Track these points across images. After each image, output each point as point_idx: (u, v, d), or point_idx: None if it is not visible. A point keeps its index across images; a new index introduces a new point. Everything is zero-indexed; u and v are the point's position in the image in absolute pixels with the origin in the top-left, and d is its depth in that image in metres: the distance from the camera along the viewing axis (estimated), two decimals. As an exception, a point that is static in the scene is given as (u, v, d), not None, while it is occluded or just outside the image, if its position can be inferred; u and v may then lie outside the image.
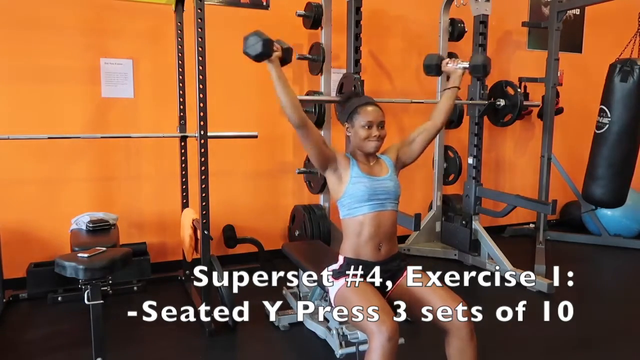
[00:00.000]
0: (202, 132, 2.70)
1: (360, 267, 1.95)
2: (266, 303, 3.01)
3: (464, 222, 4.07)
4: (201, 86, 2.67)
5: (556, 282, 3.42)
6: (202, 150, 2.73)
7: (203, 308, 2.79)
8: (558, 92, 4.64)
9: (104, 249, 2.30)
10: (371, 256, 1.96)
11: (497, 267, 3.80)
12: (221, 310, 2.86)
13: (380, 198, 1.96)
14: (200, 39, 2.65)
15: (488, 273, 3.85)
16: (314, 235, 3.80)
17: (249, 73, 3.93)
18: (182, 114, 3.37)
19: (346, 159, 1.99)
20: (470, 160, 4.11)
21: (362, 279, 1.91)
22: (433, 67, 2.27)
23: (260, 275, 3.70)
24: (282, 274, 3.63)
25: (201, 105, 2.69)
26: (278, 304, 2.97)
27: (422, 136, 2.13)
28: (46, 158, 3.42)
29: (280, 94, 1.82)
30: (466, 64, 2.21)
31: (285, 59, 1.87)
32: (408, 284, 1.95)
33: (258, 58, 1.81)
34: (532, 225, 5.05)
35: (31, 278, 3.24)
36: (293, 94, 1.85)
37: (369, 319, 1.70)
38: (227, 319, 2.82)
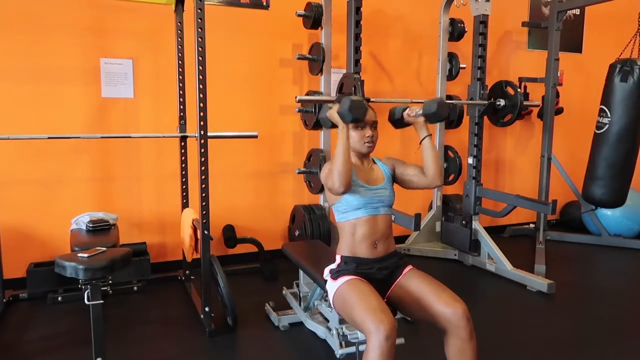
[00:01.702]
0: (202, 132, 2.70)
1: (357, 264, 1.95)
2: (266, 303, 3.02)
3: (464, 222, 4.07)
4: (201, 86, 2.67)
5: (556, 282, 3.43)
6: (202, 150, 2.73)
7: (203, 308, 2.79)
8: (558, 92, 4.64)
9: (104, 249, 2.30)
10: (367, 253, 1.97)
11: (497, 267, 3.81)
12: (221, 310, 2.87)
13: (374, 205, 1.99)
14: (200, 39, 2.65)
15: (488, 273, 3.85)
16: (314, 235, 3.80)
17: (248, 73, 3.94)
18: (182, 114, 3.37)
19: None
20: (470, 160, 4.11)
21: (360, 278, 1.91)
22: (397, 122, 2.15)
23: (261, 275, 3.74)
24: (282, 274, 3.66)
25: (201, 105, 2.69)
26: (278, 304, 2.98)
27: (416, 179, 2.07)
28: (46, 158, 3.42)
29: (343, 157, 1.84)
30: (420, 111, 2.07)
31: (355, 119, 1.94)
32: (407, 284, 1.95)
33: (353, 121, 1.89)
34: (532, 225, 5.05)
35: (31, 278, 3.24)
36: (351, 163, 1.88)
37: (366, 318, 1.70)
38: (227, 319, 2.82)
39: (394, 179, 2.12)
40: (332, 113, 1.95)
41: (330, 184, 1.88)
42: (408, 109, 2.11)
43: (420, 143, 2.06)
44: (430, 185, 2.06)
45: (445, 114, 2.04)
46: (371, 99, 3.54)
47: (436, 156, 2.05)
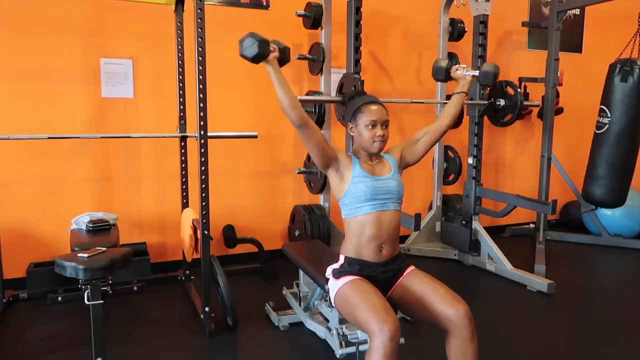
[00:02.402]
0: (202, 132, 2.70)
1: (361, 267, 1.94)
2: (266, 303, 3.02)
3: (464, 222, 4.07)
4: (201, 86, 2.67)
5: (556, 282, 3.43)
6: (202, 150, 2.72)
7: (203, 308, 2.79)
8: (558, 92, 4.64)
9: (104, 249, 2.30)
10: (372, 257, 1.95)
11: (497, 267, 3.81)
12: (221, 310, 2.87)
13: (382, 198, 1.95)
14: (200, 39, 2.65)
15: (488, 273, 3.85)
16: (314, 235, 3.79)
17: (249, 73, 3.93)
18: (182, 114, 3.37)
19: (348, 158, 1.99)
20: (470, 160, 4.10)
21: (362, 278, 1.91)
22: (442, 71, 2.30)
23: (261, 275, 3.73)
24: (282, 274, 3.66)
25: (201, 105, 2.68)
26: (278, 304, 2.98)
27: (426, 137, 2.14)
28: (46, 158, 3.42)
29: (280, 94, 1.82)
30: (476, 72, 2.25)
31: (283, 59, 1.87)
32: (409, 284, 1.94)
33: (255, 59, 1.81)
34: (532, 225, 5.05)
35: (31, 278, 3.24)
36: (292, 94, 1.85)
37: (370, 318, 1.69)
38: (227, 319, 2.82)
39: (405, 163, 2.12)
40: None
41: (292, 122, 1.85)
42: (458, 65, 2.28)
43: (454, 94, 2.24)
44: (444, 129, 2.18)
45: (496, 79, 2.35)
46: (378, 98, 3.54)
47: (458, 112, 2.23)
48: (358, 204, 1.94)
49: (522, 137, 5.21)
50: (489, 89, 4.07)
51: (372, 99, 2.02)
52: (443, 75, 2.30)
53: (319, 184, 3.89)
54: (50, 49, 3.37)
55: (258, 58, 1.80)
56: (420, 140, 2.14)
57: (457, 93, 2.23)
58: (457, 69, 2.27)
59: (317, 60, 3.86)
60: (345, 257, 1.98)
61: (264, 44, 1.79)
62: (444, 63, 2.30)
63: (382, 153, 2.09)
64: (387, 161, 2.07)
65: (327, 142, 1.94)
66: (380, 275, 1.95)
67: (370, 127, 1.95)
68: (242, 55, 1.82)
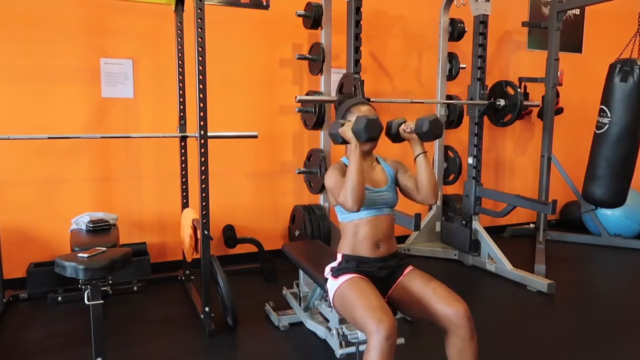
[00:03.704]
0: (202, 132, 2.70)
1: (359, 263, 1.95)
2: (266, 303, 3.02)
3: (464, 222, 4.07)
4: (201, 86, 2.67)
5: (556, 282, 3.43)
6: (202, 150, 2.72)
7: (203, 308, 2.79)
8: (558, 92, 4.65)
9: (104, 249, 2.30)
10: (369, 253, 1.96)
11: (497, 267, 3.81)
12: (221, 310, 2.87)
13: (377, 206, 1.98)
14: (200, 39, 2.65)
15: (488, 273, 3.85)
16: (314, 235, 3.80)
17: (249, 73, 3.94)
18: (182, 114, 3.37)
19: (346, 168, 1.96)
20: (470, 160, 4.10)
21: (361, 276, 1.91)
22: (394, 136, 2.07)
23: (261, 275, 3.73)
24: (282, 274, 3.66)
25: (201, 105, 2.69)
26: (278, 304, 2.98)
27: (413, 194, 2.04)
28: (46, 158, 3.42)
29: (357, 177, 1.83)
30: (412, 125, 1.98)
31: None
32: (408, 284, 1.95)
33: (370, 140, 1.88)
34: (532, 225, 5.05)
35: (31, 278, 3.24)
36: (364, 182, 1.87)
37: (367, 317, 1.70)
38: (227, 319, 2.82)
39: (396, 182, 2.10)
40: (346, 130, 1.91)
41: (342, 200, 1.85)
42: (404, 123, 2.02)
43: (415, 159, 1.99)
44: (423, 202, 2.01)
45: (439, 133, 1.94)
46: (371, 99, 3.54)
47: (430, 174, 1.97)
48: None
49: (522, 137, 5.21)
50: (489, 88, 4.07)
51: (361, 100, 2.04)
52: (395, 139, 2.08)
53: (319, 184, 3.89)
54: (50, 49, 3.37)
55: (369, 141, 1.88)
56: (406, 187, 2.05)
57: (416, 158, 1.98)
58: (403, 130, 2.01)
59: (317, 60, 3.86)
60: (343, 255, 2.00)
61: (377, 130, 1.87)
62: (391, 127, 2.05)
63: (380, 159, 2.10)
64: (384, 170, 2.07)
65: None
66: (378, 271, 1.96)
67: None
68: (359, 130, 1.85)
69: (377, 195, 1.98)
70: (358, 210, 1.87)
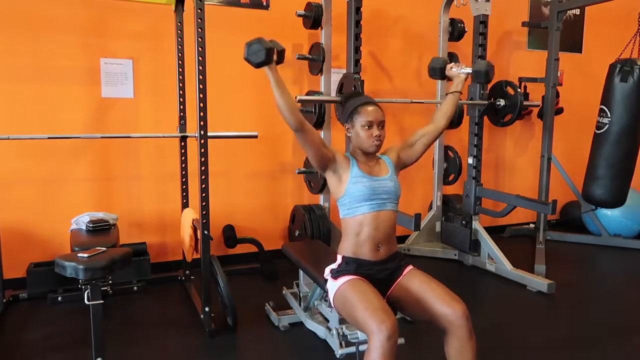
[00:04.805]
0: (202, 132, 2.70)
1: (358, 265, 1.95)
2: (266, 303, 3.02)
3: (464, 222, 4.07)
4: (201, 86, 2.67)
5: (556, 282, 3.43)
6: (202, 150, 2.72)
7: (203, 308, 2.79)
8: (558, 92, 4.65)
9: (104, 249, 2.30)
10: (370, 255, 1.96)
11: (497, 267, 3.81)
12: (221, 310, 2.87)
13: (380, 198, 1.96)
14: (200, 39, 2.65)
15: (488, 273, 3.85)
16: (314, 235, 3.80)
17: (249, 73, 3.92)
18: (182, 114, 3.37)
19: (346, 159, 2.00)
20: (470, 160, 4.10)
21: (360, 278, 1.91)
22: (437, 70, 2.31)
23: (261, 275, 3.73)
24: (282, 274, 3.66)
25: (201, 105, 2.69)
26: (278, 304, 2.98)
27: (423, 139, 2.15)
28: (46, 158, 3.42)
29: (278, 97, 1.83)
30: (469, 70, 2.25)
31: (279, 61, 1.89)
32: (407, 284, 1.95)
33: (259, 66, 1.83)
34: (532, 225, 5.05)
35: (31, 278, 3.24)
36: (290, 97, 1.85)
37: (368, 318, 1.70)
38: (227, 319, 2.82)
39: (401, 164, 2.13)
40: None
41: (290, 125, 1.85)
42: (453, 63, 2.26)
43: (448, 94, 2.22)
44: (440, 130, 2.17)
45: (492, 77, 2.28)
46: (374, 99, 3.54)
47: (453, 111, 2.21)
48: (357, 204, 1.95)
49: (522, 137, 5.21)
50: (489, 88, 4.07)
51: (368, 100, 2.03)
52: (439, 73, 2.32)
53: (319, 184, 3.90)
54: (50, 49, 3.37)
55: (262, 64, 1.83)
56: (417, 142, 2.15)
57: (452, 93, 2.23)
58: (451, 67, 2.28)
59: (317, 60, 3.86)
60: (343, 257, 1.99)
61: (270, 52, 1.81)
62: (439, 62, 2.31)
63: (379, 154, 2.11)
64: (384, 162, 2.08)
65: (324, 144, 1.95)
66: (377, 273, 1.96)
67: (367, 127, 1.96)
68: (247, 59, 1.84)
69: (378, 183, 1.97)
70: (298, 123, 1.83)
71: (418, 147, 2.15)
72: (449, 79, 2.32)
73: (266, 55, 1.80)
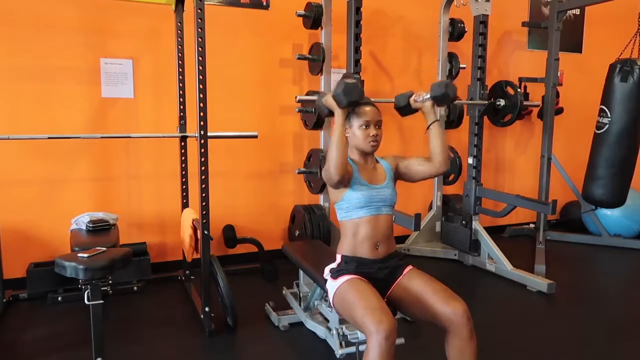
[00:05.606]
0: (202, 132, 2.70)
1: (358, 264, 1.95)
2: (266, 303, 3.02)
3: (464, 222, 4.07)
4: (201, 86, 2.67)
5: (556, 282, 3.43)
6: (202, 150, 2.72)
7: (203, 308, 2.79)
8: (558, 92, 4.65)
9: (104, 249, 2.30)
10: (369, 254, 1.97)
11: (497, 267, 3.81)
12: (221, 310, 2.87)
13: (376, 205, 1.98)
14: (200, 39, 2.65)
15: (488, 273, 3.85)
16: (314, 235, 3.80)
17: (249, 73, 3.94)
18: (182, 114, 3.37)
19: (349, 166, 1.99)
20: (470, 160, 4.11)
21: (360, 277, 1.91)
22: (404, 108, 2.12)
23: (261, 275, 3.74)
24: (282, 274, 3.66)
25: (201, 105, 2.69)
26: (278, 304, 2.98)
27: (422, 168, 2.08)
28: (46, 158, 3.42)
29: (337, 147, 1.83)
30: (428, 95, 2.04)
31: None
32: (407, 284, 1.95)
33: (349, 105, 1.86)
34: (532, 225, 5.05)
35: (31, 278, 3.24)
36: (347, 150, 1.86)
37: (366, 317, 1.70)
38: (227, 319, 2.82)
39: (398, 175, 2.11)
40: (328, 98, 1.93)
41: (325, 174, 1.88)
42: (414, 94, 2.09)
43: (428, 128, 2.06)
44: (437, 171, 2.06)
45: (453, 96, 2.01)
46: (371, 99, 3.54)
47: (444, 142, 2.04)
48: (353, 209, 1.97)
49: (522, 137, 5.21)
50: (489, 88, 4.07)
51: (365, 100, 2.03)
52: (407, 110, 2.13)
53: (319, 184, 3.89)
54: (50, 49, 3.37)
55: (351, 105, 1.86)
56: (416, 168, 2.08)
57: (430, 126, 2.05)
58: (414, 100, 2.09)
59: (317, 60, 3.85)
60: (342, 256, 2.00)
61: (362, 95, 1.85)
62: (403, 98, 2.11)
63: (378, 158, 2.11)
64: (382, 168, 2.08)
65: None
66: (377, 272, 1.96)
67: (364, 127, 1.97)
68: (337, 95, 1.84)
69: (376, 191, 1.99)
70: (340, 180, 1.85)
71: (416, 175, 2.10)
72: (421, 110, 2.11)
73: (360, 95, 1.83)
